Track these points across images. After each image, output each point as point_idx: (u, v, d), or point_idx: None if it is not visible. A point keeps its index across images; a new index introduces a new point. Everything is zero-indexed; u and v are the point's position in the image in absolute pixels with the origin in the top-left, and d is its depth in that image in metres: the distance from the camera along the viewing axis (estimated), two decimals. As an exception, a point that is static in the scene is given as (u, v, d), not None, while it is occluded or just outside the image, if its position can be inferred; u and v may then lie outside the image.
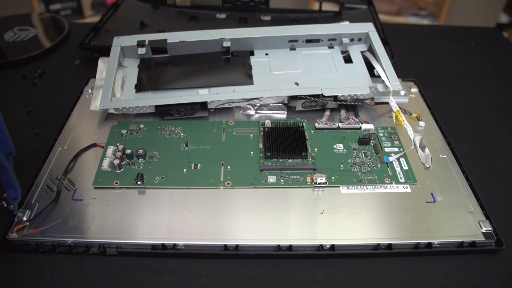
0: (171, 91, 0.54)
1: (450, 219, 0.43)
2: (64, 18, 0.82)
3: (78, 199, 0.44)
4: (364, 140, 0.50)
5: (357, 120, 0.54)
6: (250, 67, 0.57)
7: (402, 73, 0.58)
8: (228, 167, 0.47)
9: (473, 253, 0.42)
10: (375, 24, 0.67)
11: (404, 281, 0.39)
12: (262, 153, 0.49)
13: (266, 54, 0.59)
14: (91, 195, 0.44)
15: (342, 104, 0.55)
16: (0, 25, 0.78)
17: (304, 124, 0.52)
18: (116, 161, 0.46)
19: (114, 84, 0.54)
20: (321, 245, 0.40)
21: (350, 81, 0.56)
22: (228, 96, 0.53)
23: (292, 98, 0.54)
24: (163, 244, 0.40)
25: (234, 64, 0.58)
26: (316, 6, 0.83)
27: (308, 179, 0.46)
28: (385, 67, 0.55)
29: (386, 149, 0.50)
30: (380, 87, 0.54)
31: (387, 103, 0.54)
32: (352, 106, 0.57)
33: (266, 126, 0.52)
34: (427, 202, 0.45)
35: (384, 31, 0.70)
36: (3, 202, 0.43)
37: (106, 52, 0.58)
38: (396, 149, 0.51)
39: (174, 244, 0.40)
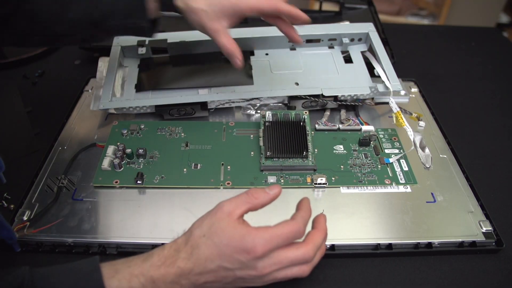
0: (171, 91, 0.54)
1: (450, 219, 0.43)
2: (64, 18, 0.82)
3: (78, 199, 0.44)
4: (364, 142, 0.50)
5: (358, 121, 0.54)
6: (250, 67, 0.57)
7: (402, 73, 0.58)
8: (228, 167, 0.47)
9: (473, 253, 0.42)
10: (375, 24, 0.67)
11: (404, 281, 0.39)
12: (262, 150, 0.48)
13: (266, 54, 0.59)
14: (91, 195, 0.44)
15: (342, 104, 0.55)
16: (0, 25, 0.77)
17: (305, 117, 0.52)
18: (117, 161, 0.46)
19: (114, 84, 0.54)
20: (321, 245, 0.40)
21: (350, 81, 0.56)
22: (228, 96, 0.53)
23: (292, 98, 0.54)
24: (163, 244, 0.40)
25: (234, 64, 0.58)
26: (316, 6, 0.83)
27: (308, 180, 0.46)
28: (385, 67, 0.55)
29: (386, 151, 0.50)
30: (380, 87, 0.54)
31: (387, 103, 0.54)
32: (352, 106, 0.57)
33: (267, 119, 0.51)
34: (427, 202, 0.45)
35: (384, 31, 0.70)
36: (3, 202, 0.43)
37: (106, 52, 0.58)
38: (396, 151, 0.50)
39: (174, 244, 0.40)
